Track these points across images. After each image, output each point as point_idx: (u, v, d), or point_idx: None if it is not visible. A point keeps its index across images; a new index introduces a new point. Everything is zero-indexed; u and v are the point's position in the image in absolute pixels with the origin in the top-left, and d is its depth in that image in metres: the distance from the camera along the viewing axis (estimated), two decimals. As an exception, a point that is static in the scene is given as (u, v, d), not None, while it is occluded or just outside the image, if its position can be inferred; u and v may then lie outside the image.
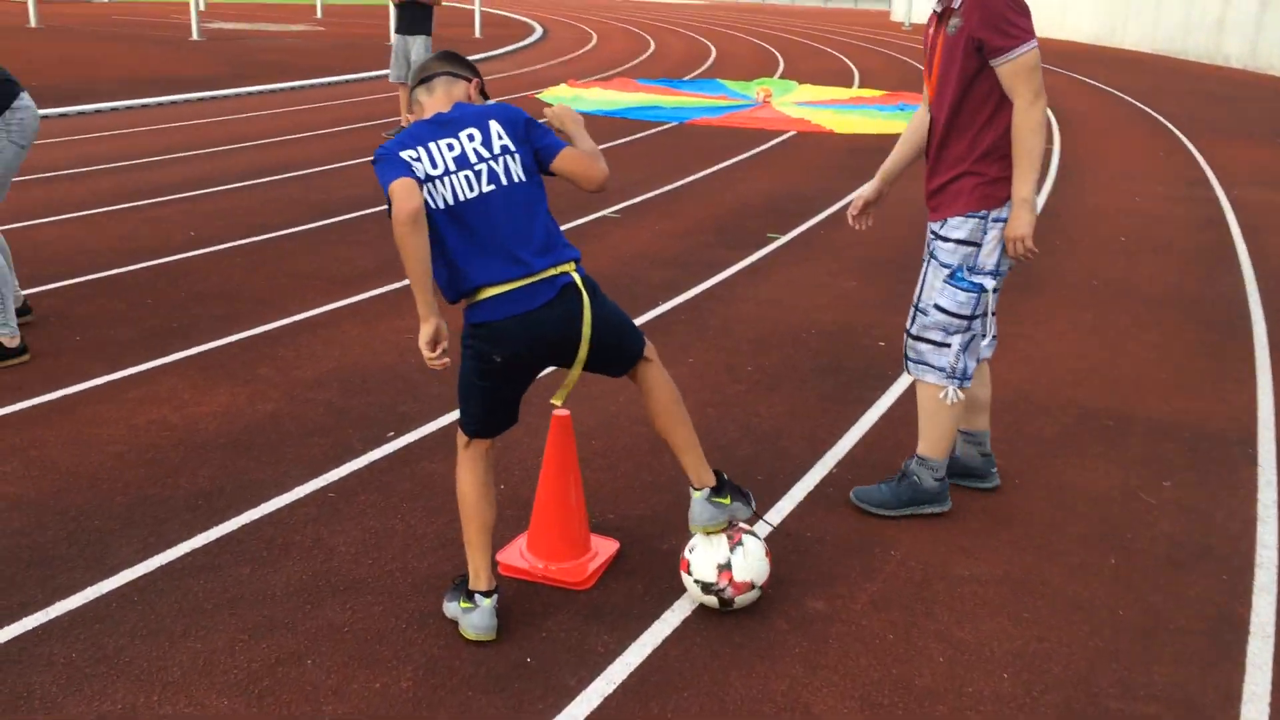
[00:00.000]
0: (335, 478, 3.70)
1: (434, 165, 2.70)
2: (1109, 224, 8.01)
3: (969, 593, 3.14)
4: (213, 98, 13.15)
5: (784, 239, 7.27)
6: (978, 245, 3.28)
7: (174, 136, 10.45)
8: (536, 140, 2.82)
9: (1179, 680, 2.77)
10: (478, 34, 25.33)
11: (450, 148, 2.72)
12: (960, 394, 3.41)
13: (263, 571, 3.12)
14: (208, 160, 9.29)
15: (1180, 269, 6.81)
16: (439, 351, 2.71)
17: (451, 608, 2.90)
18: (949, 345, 3.36)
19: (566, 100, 13.75)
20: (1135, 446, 4.16)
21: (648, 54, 21.89)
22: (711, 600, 2.95)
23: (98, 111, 11.78)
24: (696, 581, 2.95)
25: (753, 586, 2.94)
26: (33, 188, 7.95)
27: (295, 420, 4.14)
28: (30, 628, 2.83)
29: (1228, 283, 6.52)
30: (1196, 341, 5.41)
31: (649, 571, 3.19)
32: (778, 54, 23.05)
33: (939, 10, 3.31)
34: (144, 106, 12.26)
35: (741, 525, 3.03)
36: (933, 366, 3.40)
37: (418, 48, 10.20)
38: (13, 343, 4.59)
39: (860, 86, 16.77)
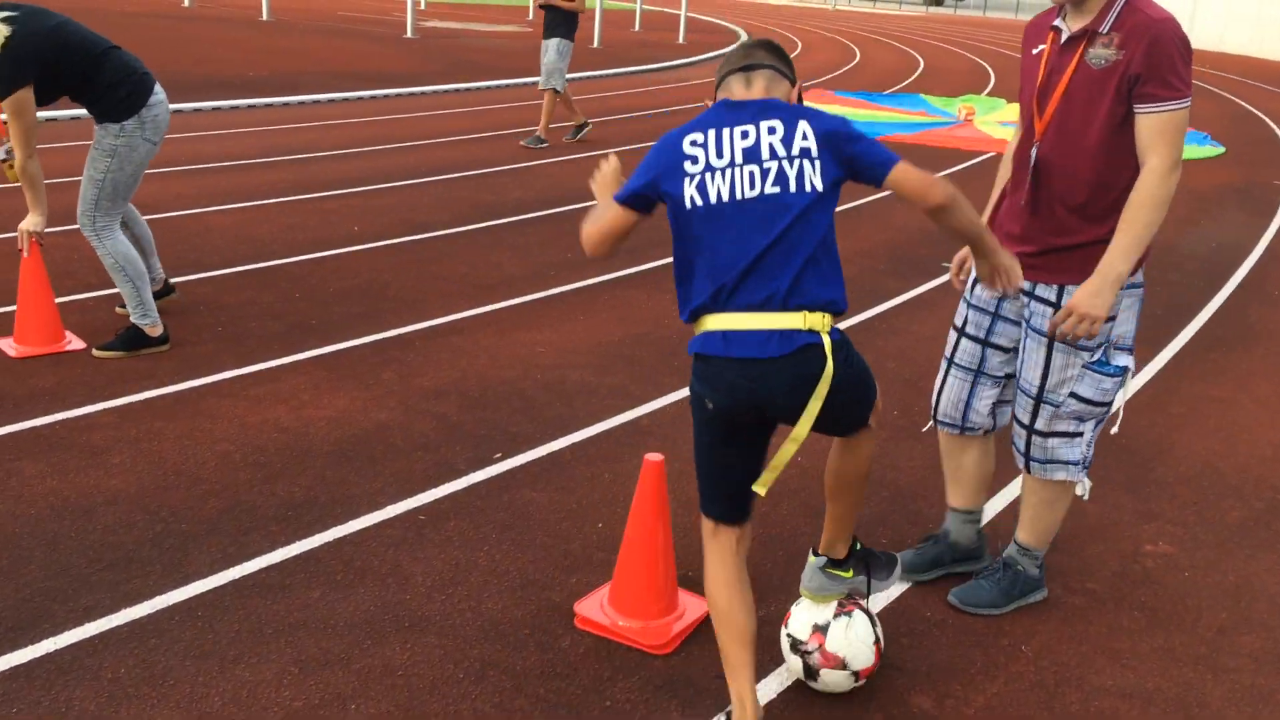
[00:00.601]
0: (430, 499, 3.53)
1: (719, 155, 2.30)
2: (1340, 273, 7.13)
3: (1108, 709, 2.68)
4: (410, 94, 13.47)
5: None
6: (1113, 318, 2.79)
7: (365, 131, 10.69)
8: (859, 156, 2.31)
9: None
10: (681, 39, 25.30)
11: (745, 135, 2.30)
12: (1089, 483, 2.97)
13: (332, 597, 2.97)
14: (389, 155, 9.42)
15: None
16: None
17: None
18: (1081, 435, 2.89)
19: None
20: (1340, 544, 3.55)
21: (852, 64, 21.29)
22: (796, 663, 2.65)
23: (300, 103, 12.22)
24: (788, 635, 2.67)
25: (844, 666, 2.59)
26: (214, 175, 8.22)
27: (404, 432, 4.00)
28: (89, 635, 2.75)
29: None
30: None
31: (738, 641, 2.87)
32: (990, 69, 22.04)
33: (1066, 30, 2.73)
34: (344, 100, 12.65)
35: (859, 600, 2.69)
36: (1065, 462, 2.92)
37: (550, 52, 10.07)
38: (155, 331, 4.64)
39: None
